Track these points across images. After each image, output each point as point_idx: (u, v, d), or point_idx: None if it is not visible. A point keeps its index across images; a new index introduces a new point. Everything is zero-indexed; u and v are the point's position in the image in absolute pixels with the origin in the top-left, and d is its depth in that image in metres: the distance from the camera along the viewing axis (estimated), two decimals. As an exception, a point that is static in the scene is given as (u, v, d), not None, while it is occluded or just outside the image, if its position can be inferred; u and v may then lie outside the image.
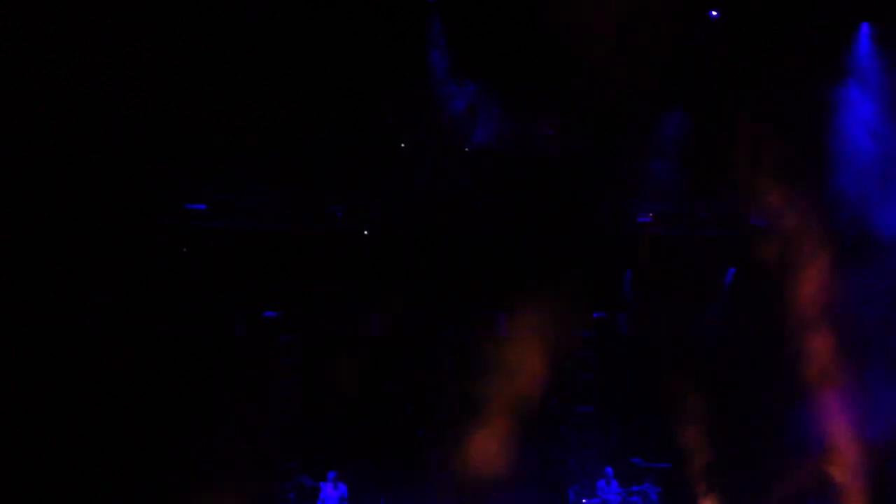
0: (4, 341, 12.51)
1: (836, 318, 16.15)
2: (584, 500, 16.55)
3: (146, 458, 14.06)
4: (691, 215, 17.56)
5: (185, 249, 14.41)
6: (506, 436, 17.34)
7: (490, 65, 15.34)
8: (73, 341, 13.26)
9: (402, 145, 15.71)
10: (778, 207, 17.22)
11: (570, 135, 16.13)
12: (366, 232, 15.93)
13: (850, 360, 16.03)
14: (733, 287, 18.09)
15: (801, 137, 16.05)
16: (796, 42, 15.10)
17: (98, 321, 13.74)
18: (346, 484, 15.30)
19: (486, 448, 16.31)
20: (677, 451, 16.74)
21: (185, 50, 13.41)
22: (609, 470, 16.67)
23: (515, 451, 17.36)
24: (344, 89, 14.79)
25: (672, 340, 17.85)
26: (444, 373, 17.32)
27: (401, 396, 17.24)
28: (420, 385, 17.26)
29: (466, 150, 16.06)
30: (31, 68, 12.33)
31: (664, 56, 15.06)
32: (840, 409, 16.06)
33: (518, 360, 17.08)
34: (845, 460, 15.84)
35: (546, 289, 16.98)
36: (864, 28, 15.90)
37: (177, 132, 13.45)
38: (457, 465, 17.05)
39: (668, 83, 15.90)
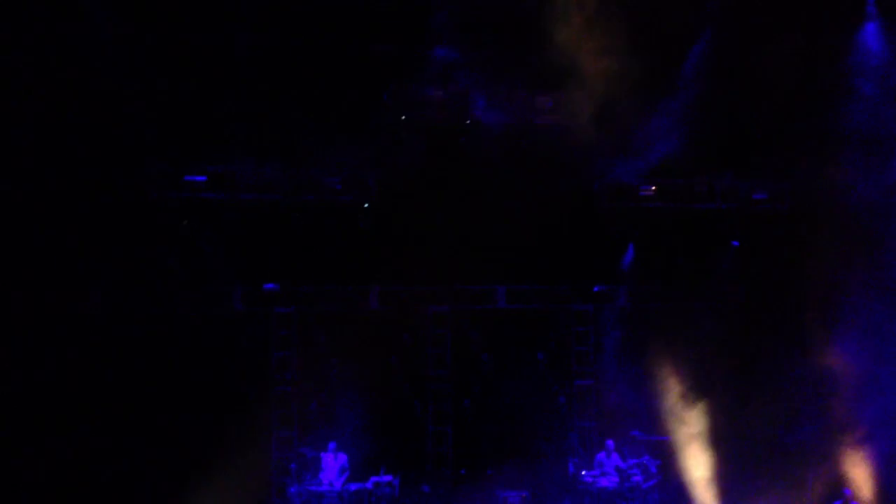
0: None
1: (843, 297, 16.09)
2: (583, 473, 16.59)
3: (144, 431, 14.08)
4: (693, 189, 17.47)
5: (185, 222, 14.41)
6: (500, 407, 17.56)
7: (489, 36, 15.27)
8: (71, 316, 13.29)
9: (403, 117, 15.67)
10: (783, 182, 17.26)
11: (569, 106, 16.04)
12: (366, 205, 15.89)
13: (854, 339, 15.95)
14: (735, 261, 18.03)
15: (810, 109, 15.97)
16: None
17: (97, 295, 13.78)
18: (346, 454, 15.39)
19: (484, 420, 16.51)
20: (676, 424, 16.75)
21: (184, 22, 13.43)
22: (609, 443, 16.72)
23: (513, 423, 17.54)
24: (343, 60, 14.77)
25: (673, 314, 17.86)
26: (441, 346, 17.39)
27: (399, 369, 17.32)
28: (418, 358, 17.32)
29: (467, 122, 16.02)
30: (30, 42, 12.31)
31: (667, 28, 15.04)
32: (843, 384, 16.03)
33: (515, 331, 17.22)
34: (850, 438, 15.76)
35: (546, 263, 17.11)
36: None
37: (176, 104, 13.44)
38: (455, 437, 17.21)
39: (670, 53, 15.84)
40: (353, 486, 15.06)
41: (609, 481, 16.33)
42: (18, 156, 12.66)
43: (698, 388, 17.04)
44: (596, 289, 18.27)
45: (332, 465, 15.23)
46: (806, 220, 16.71)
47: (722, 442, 16.78)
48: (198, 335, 15.06)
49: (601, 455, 16.72)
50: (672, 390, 17.12)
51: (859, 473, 15.33)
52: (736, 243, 18.05)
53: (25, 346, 13.09)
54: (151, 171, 13.83)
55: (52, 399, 13.13)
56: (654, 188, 17.35)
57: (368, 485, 15.08)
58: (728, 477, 16.51)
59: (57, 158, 12.85)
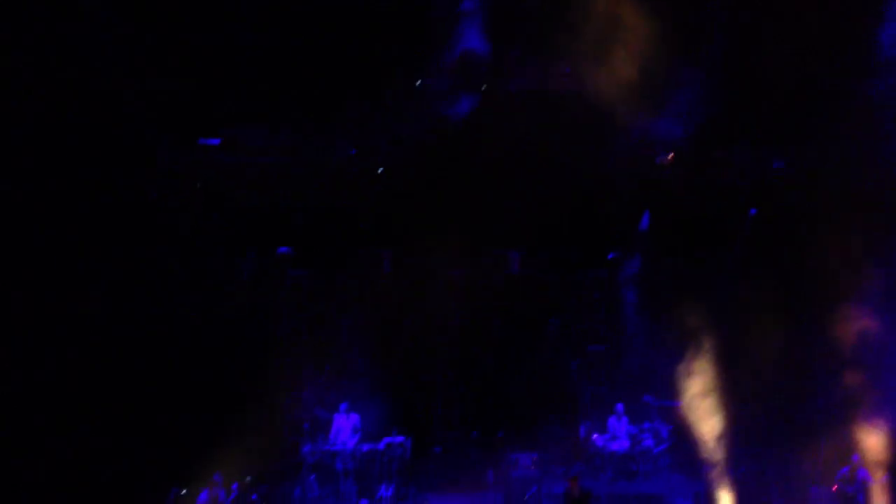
0: (12, 276, 12.61)
1: (860, 267, 15.97)
2: (594, 436, 16.73)
3: (158, 393, 14.24)
4: (711, 157, 17.35)
5: (198, 184, 14.53)
6: (512, 372, 17.68)
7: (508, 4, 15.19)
8: (84, 279, 13.38)
9: (419, 83, 15.66)
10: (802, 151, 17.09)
11: (587, 73, 15.93)
12: (380, 170, 15.94)
13: (870, 309, 15.85)
14: (752, 230, 17.94)
15: (832, 80, 15.76)
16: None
17: (110, 257, 13.87)
18: (359, 415, 15.62)
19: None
20: (689, 389, 16.78)
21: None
22: (620, 407, 16.84)
23: (525, 387, 17.68)
24: (359, 23, 14.73)
25: (687, 282, 17.83)
26: (455, 310, 17.52)
27: (412, 332, 17.48)
28: (430, 321, 17.46)
29: (483, 88, 15.98)
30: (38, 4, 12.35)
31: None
32: (858, 352, 15.96)
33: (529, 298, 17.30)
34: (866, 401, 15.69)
35: (561, 228, 17.12)
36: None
37: (189, 67, 13.48)
38: (467, 400, 17.41)
39: (691, 19, 15.65)
40: (366, 447, 15.32)
41: (620, 445, 16.49)
42: (32, 118, 12.74)
43: (711, 355, 17.03)
44: (610, 255, 18.31)
45: (345, 426, 15.49)
46: (825, 190, 16.56)
47: (734, 408, 16.80)
48: (212, 298, 15.25)
49: (612, 419, 16.87)
50: (685, 356, 17.13)
51: (870, 441, 15.29)
52: (753, 211, 17.98)
53: (30, 309, 13.09)
54: (165, 134, 13.89)
55: (68, 357, 13.25)
56: (670, 155, 17.24)
57: (380, 445, 15.32)
58: (739, 442, 16.57)
59: (70, 124, 12.93)
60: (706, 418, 16.57)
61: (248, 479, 14.09)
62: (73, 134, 12.41)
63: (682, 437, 16.58)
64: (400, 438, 15.41)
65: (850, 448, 14.65)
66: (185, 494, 13.37)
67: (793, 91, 15.80)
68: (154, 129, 13.54)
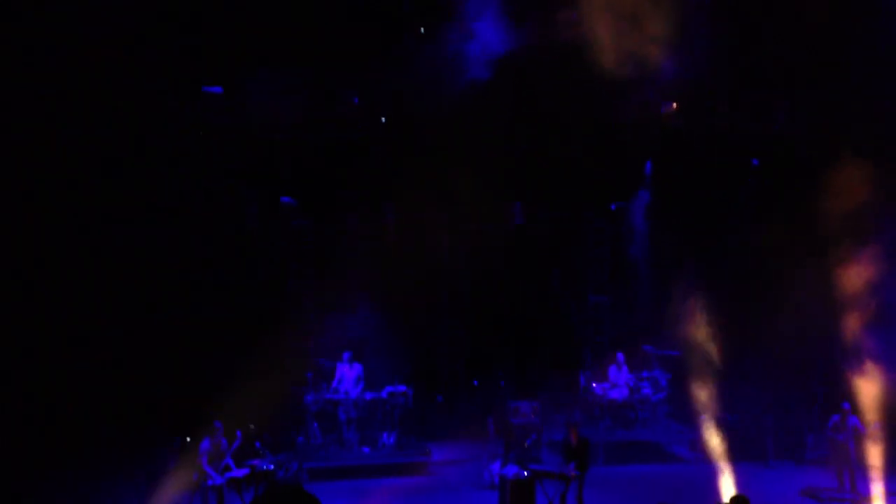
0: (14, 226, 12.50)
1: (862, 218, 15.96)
2: (594, 385, 16.90)
3: (159, 344, 14.19)
4: (714, 108, 17.21)
5: (201, 133, 14.36)
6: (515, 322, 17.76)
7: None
8: (88, 228, 13.29)
9: (422, 30, 15.40)
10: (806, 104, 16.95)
11: (591, 22, 15.69)
12: (383, 119, 15.75)
13: (871, 260, 15.87)
14: (755, 181, 17.92)
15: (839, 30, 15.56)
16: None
17: (115, 208, 13.75)
18: (362, 365, 15.72)
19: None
20: (689, 339, 16.91)
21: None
22: (621, 356, 16.98)
23: (527, 337, 17.78)
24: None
25: (689, 232, 17.85)
26: (458, 261, 17.54)
27: (414, 283, 17.49)
28: (433, 272, 17.49)
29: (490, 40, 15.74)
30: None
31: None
32: (858, 304, 16.03)
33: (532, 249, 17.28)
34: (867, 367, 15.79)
35: (564, 180, 17.05)
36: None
37: (192, 16, 13.24)
38: (469, 350, 17.52)
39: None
40: (369, 396, 15.45)
41: (619, 393, 16.67)
42: (35, 67, 12.53)
43: (713, 305, 17.12)
44: (613, 206, 18.29)
45: (348, 375, 15.59)
46: (827, 141, 16.47)
47: (732, 356, 16.96)
48: (215, 248, 15.18)
49: (613, 368, 17.02)
50: (686, 306, 17.22)
51: (865, 389, 15.44)
52: (756, 162, 17.93)
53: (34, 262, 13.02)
54: (169, 83, 13.69)
55: (71, 311, 13.20)
56: (674, 105, 17.09)
57: (383, 394, 15.46)
58: (736, 390, 16.76)
59: (77, 65, 12.68)
60: (705, 367, 16.74)
61: (252, 426, 14.17)
62: (76, 82, 12.19)
63: (681, 385, 16.75)
64: (402, 387, 15.54)
65: (844, 396, 14.82)
66: (189, 442, 13.45)
67: (797, 41, 15.65)
68: (158, 76, 13.31)
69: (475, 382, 17.53)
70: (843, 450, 13.95)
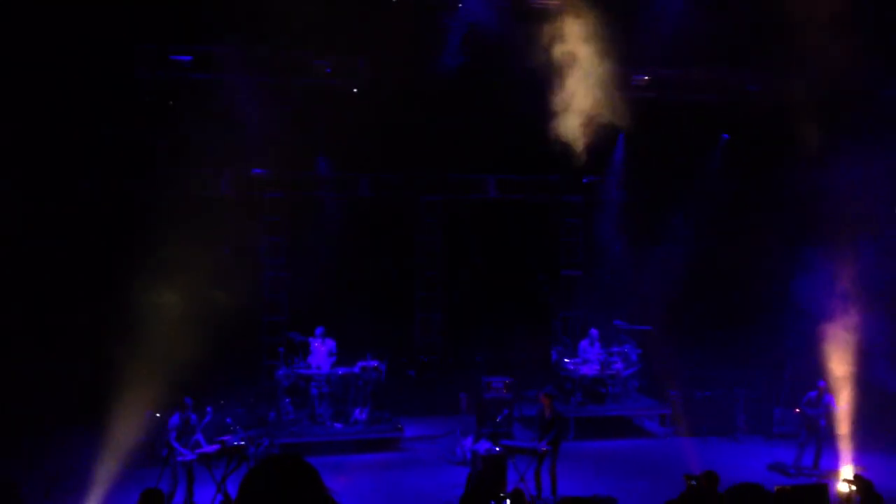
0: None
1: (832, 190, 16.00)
2: (566, 360, 16.89)
3: (130, 308, 13.94)
4: (687, 79, 17.12)
5: (171, 102, 14.00)
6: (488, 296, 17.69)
7: None
8: (61, 199, 13.05)
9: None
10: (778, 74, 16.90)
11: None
12: (355, 90, 15.48)
13: (845, 233, 15.93)
14: (725, 154, 17.93)
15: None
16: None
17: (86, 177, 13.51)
18: (334, 340, 15.56)
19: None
20: (660, 313, 16.96)
21: None
22: (594, 331, 16.97)
23: (500, 311, 17.72)
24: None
25: (662, 205, 17.86)
26: (431, 234, 17.43)
27: (389, 256, 17.39)
28: (408, 245, 17.39)
29: (460, 5, 15.50)
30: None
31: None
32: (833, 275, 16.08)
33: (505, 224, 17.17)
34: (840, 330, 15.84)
35: (537, 153, 16.91)
36: None
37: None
38: (443, 325, 17.44)
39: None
40: (341, 370, 15.28)
41: (590, 369, 16.67)
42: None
43: (686, 277, 17.15)
44: (585, 180, 18.21)
45: (320, 350, 15.41)
46: (800, 113, 16.46)
47: (706, 330, 17.07)
48: (187, 218, 14.84)
49: (584, 343, 17.01)
50: (659, 281, 17.24)
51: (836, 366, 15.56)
52: (726, 136, 17.94)
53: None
54: (138, 49, 13.32)
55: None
56: (646, 77, 16.97)
57: (356, 369, 15.29)
58: (707, 365, 16.87)
59: (43, 39, 12.35)
60: (678, 341, 16.81)
61: (222, 402, 14.01)
62: (48, 47, 11.88)
63: (651, 360, 16.82)
64: (374, 363, 15.37)
65: (815, 372, 14.95)
66: (158, 417, 13.27)
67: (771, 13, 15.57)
68: (128, 43, 12.95)
69: (450, 360, 17.46)
70: (814, 425, 14.10)
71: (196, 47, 13.89)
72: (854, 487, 9.72)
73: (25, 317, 13.23)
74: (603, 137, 17.45)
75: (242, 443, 12.35)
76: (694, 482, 7.28)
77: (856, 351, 14.97)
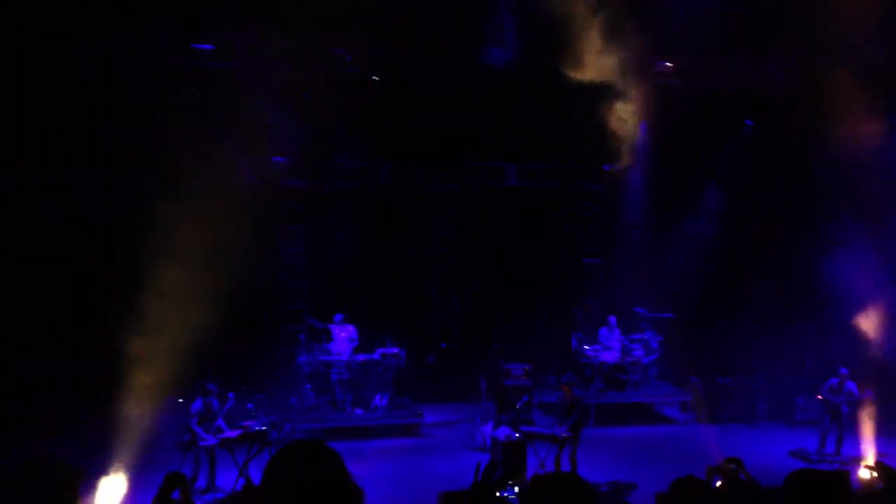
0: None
1: (853, 180, 15.86)
2: (586, 347, 16.91)
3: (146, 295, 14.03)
4: (710, 68, 17.00)
5: (192, 90, 14.04)
6: (507, 284, 17.66)
7: None
8: (75, 178, 13.09)
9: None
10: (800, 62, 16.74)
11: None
12: (375, 77, 15.46)
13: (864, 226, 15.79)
14: (749, 142, 17.80)
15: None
16: None
17: (104, 161, 13.51)
18: (355, 326, 15.64)
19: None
20: (681, 301, 16.91)
21: None
22: (613, 319, 16.98)
23: (519, 299, 17.70)
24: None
25: (683, 193, 17.78)
26: (451, 222, 17.43)
27: (408, 244, 17.41)
28: (427, 234, 17.40)
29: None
30: None
31: None
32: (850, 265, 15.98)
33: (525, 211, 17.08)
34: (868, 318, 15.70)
35: (557, 141, 16.87)
36: None
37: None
38: (461, 311, 17.44)
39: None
40: (361, 357, 15.39)
41: (610, 356, 16.70)
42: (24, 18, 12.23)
43: (704, 266, 17.10)
44: (606, 167, 18.15)
45: (341, 336, 15.51)
46: (819, 102, 16.31)
47: (721, 316, 17.01)
48: (205, 206, 14.89)
49: (604, 330, 17.04)
50: (681, 268, 17.19)
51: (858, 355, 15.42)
52: (750, 123, 17.80)
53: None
54: (158, 39, 13.35)
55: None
56: (669, 65, 16.87)
57: (375, 355, 15.40)
58: (728, 352, 16.83)
59: (60, 25, 12.39)
60: (695, 327, 16.78)
61: (243, 388, 14.09)
62: (63, 35, 11.92)
63: (672, 347, 16.79)
64: (395, 349, 15.47)
65: (837, 359, 14.86)
66: (181, 403, 13.39)
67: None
68: (147, 30, 12.98)
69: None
70: (837, 412, 14.04)
71: (217, 36, 13.90)
72: (876, 474, 9.65)
73: (47, 312, 13.29)
74: (625, 125, 17.49)
75: (264, 428, 12.46)
76: (734, 465, 7.29)
77: (879, 337, 14.89)
